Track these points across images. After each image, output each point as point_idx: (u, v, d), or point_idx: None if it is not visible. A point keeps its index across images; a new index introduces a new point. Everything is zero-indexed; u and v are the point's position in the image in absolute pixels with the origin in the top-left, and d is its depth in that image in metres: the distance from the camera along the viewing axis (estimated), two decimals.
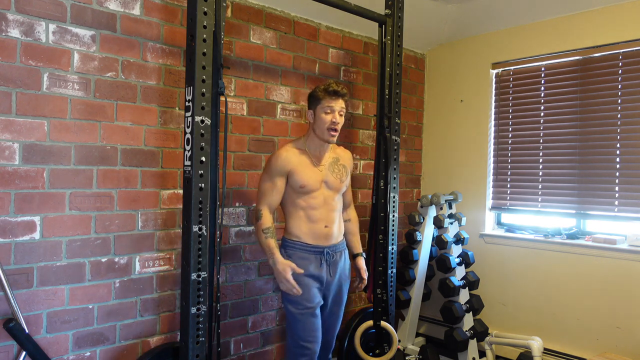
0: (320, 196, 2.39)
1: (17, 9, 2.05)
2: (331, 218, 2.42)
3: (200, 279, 1.97)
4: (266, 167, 2.37)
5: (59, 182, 2.18)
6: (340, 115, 2.35)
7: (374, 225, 2.87)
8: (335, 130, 2.34)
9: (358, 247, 2.69)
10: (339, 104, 2.34)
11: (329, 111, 2.32)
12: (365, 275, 2.64)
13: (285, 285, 2.26)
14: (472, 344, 3.26)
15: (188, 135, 1.95)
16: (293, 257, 2.35)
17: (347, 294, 2.60)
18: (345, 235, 2.62)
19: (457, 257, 3.38)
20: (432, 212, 3.49)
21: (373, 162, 3.01)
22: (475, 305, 3.36)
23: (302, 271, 2.29)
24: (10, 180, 2.05)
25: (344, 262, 2.52)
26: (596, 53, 3.14)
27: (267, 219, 2.32)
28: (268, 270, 2.98)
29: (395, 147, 2.87)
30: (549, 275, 3.27)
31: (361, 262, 2.65)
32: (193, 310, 1.96)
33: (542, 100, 3.40)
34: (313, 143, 2.41)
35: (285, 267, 2.25)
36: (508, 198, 3.60)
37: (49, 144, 2.15)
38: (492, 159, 3.70)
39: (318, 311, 2.38)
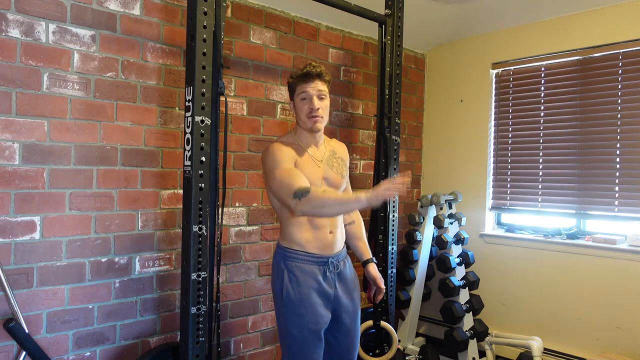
0: None
1: (17, 9, 2.05)
2: (335, 222, 2.10)
3: (200, 279, 1.97)
4: (270, 159, 1.97)
5: (59, 182, 2.18)
6: (321, 98, 2.01)
7: (374, 225, 2.86)
8: (317, 116, 2.00)
9: (367, 253, 2.30)
10: (314, 87, 2.00)
11: (304, 97, 2.01)
12: (382, 284, 2.26)
13: (393, 189, 1.74)
14: (472, 344, 3.26)
15: (188, 135, 1.95)
16: (295, 271, 2.00)
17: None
18: (349, 240, 2.29)
19: (457, 257, 3.38)
20: (432, 212, 3.49)
21: (373, 162, 3.01)
22: (475, 305, 3.36)
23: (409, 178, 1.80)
24: (10, 180, 2.05)
25: (350, 269, 2.17)
26: (596, 53, 3.14)
27: (315, 188, 1.88)
28: (268, 270, 2.98)
29: (395, 147, 2.87)
30: (549, 275, 3.27)
31: (374, 269, 2.26)
32: (193, 310, 1.96)
33: (542, 100, 3.40)
34: (303, 136, 2.09)
35: (380, 186, 1.76)
36: (508, 198, 3.60)
37: (49, 144, 2.15)
38: (492, 159, 3.70)
39: (322, 334, 2.04)
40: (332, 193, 1.90)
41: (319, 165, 2.09)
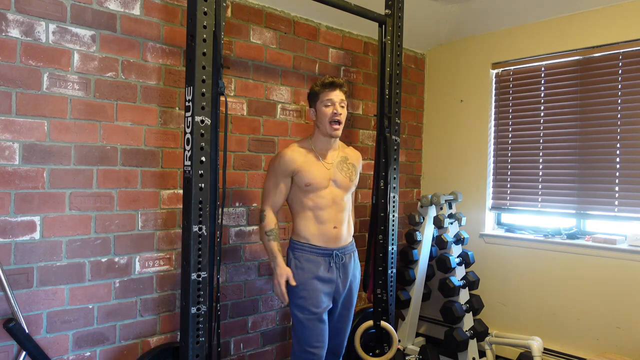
0: (329, 195, 2.33)
1: (17, 9, 2.05)
2: (340, 219, 2.36)
3: (200, 279, 1.97)
4: (270, 168, 2.34)
5: (59, 182, 2.18)
6: (342, 106, 2.31)
7: (374, 225, 2.86)
8: (338, 122, 2.30)
9: None
10: (337, 96, 2.30)
11: (328, 104, 2.28)
12: None
13: (277, 290, 2.28)
14: (472, 344, 3.26)
15: (188, 135, 1.95)
16: (301, 259, 2.30)
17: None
18: None
19: (457, 257, 3.38)
20: (432, 212, 3.49)
21: (373, 162, 3.01)
22: (475, 305, 3.36)
23: (294, 283, 2.27)
24: (10, 180, 2.05)
25: (354, 264, 2.45)
26: (596, 53, 3.14)
27: (270, 221, 2.31)
28: (268, 270, 2.98)
29: (395, 147, 2.87)
30: (549, 275, 3.27)
31: None
32: (193, 310, 1.96)
33: (542, 100, 3.40)
34: (319, 141, 2.37)
35: (283, 273, 2.26)
36: (508, 198, 3.60)
37: (49, 144, 2.15)
38: (492, 159, 3.70)
39: (325, 316, 2.32)
40: (267, 240, 2.31)
41: (329, 168, 2.36)
